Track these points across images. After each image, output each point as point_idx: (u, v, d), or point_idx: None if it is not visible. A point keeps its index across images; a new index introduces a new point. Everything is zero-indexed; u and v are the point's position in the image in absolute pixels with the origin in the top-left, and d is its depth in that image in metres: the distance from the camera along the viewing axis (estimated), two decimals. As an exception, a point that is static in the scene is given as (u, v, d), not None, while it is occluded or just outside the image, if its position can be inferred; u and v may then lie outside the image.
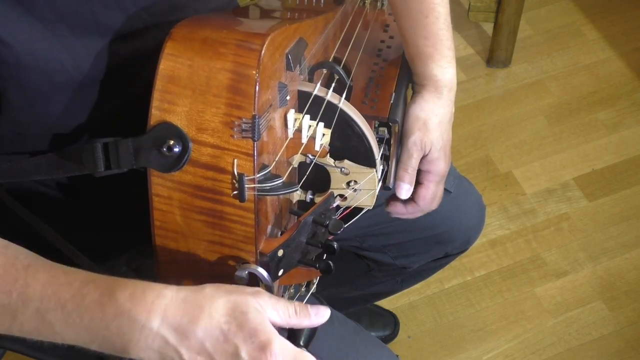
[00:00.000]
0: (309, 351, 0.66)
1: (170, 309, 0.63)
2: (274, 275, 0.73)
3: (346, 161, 0.83)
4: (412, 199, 0.96)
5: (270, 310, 0.65)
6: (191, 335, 0.62)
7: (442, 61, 0.93)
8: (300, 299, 0.89)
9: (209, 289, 0.65)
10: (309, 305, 0.68)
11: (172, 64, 0.69)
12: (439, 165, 0.95)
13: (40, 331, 0.66)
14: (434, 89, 0.94)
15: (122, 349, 0.64)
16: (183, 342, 0.62)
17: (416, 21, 0.92)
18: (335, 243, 0.76)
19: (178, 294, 0.64)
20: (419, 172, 0.95)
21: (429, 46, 0.92)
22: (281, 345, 0.63)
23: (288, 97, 0.75)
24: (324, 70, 0.87)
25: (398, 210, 0.99)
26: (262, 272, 0.70)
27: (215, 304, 0.63)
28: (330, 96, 0.80)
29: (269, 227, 0.76)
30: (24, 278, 0.65)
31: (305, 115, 0.78)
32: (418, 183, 0.96)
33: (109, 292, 0.64)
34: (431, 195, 0.97)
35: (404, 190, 0.93)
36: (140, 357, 0.64)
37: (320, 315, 0.69)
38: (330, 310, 1.01)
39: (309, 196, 0.84)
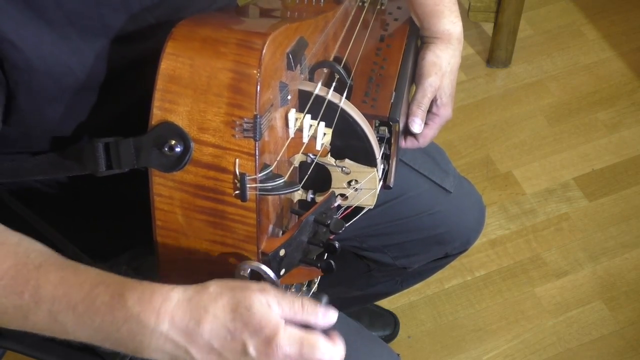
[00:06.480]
0: None
1: (177, 312, 0.63)
2: (276, 275, 0.73)
3: (347, 160, 0.83)
4: (412, 135, 1.02)
5: (275, 307, 0.65)
6: (198, 337, 0.63)
7: (452, 17, 1.05)
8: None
9: (213, 287, 0.65)
10: (318, 305, 0.67)
11: (173, 63, 0.68)
12: (447, 110, 1.03)
13: (53, 330, 0.67)
14: (447, 41, 1.05)
15: (134, 350, 0.65)
16: (192, 343, 0.63)
17: None
18: (336, 242, 0.76)
19: (184, 295, 0.64)
20: (427, 114, 1.02)
21: (439, 4, 1.03)
22: (287, 335, 0.63)
23: (289, 97, 0.75)
24: (325, 70, 0.87)
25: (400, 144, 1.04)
26: (265, 269, 0.70)
27: (219, 303, 0.64)
28: (331, 95, 0.80)
29: (271, 227, 0.76)
30: (36, 279, 0.66)
31: (306, 115, 0.77)
32: (424, 123, 1.02)
33: (118, 294, 0.65)
34: (432, 136, 1.04)
35: (417, 125, 0.99)
36: (153, 357, 0.65)
37: (328, 316, 0.67)
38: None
39: (310, 195, 0.84)
